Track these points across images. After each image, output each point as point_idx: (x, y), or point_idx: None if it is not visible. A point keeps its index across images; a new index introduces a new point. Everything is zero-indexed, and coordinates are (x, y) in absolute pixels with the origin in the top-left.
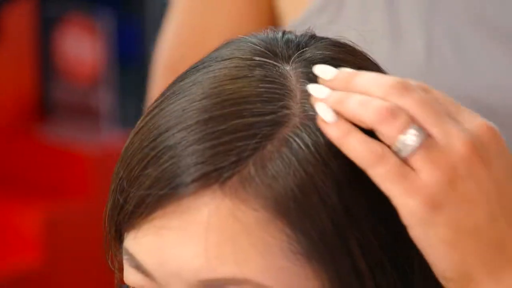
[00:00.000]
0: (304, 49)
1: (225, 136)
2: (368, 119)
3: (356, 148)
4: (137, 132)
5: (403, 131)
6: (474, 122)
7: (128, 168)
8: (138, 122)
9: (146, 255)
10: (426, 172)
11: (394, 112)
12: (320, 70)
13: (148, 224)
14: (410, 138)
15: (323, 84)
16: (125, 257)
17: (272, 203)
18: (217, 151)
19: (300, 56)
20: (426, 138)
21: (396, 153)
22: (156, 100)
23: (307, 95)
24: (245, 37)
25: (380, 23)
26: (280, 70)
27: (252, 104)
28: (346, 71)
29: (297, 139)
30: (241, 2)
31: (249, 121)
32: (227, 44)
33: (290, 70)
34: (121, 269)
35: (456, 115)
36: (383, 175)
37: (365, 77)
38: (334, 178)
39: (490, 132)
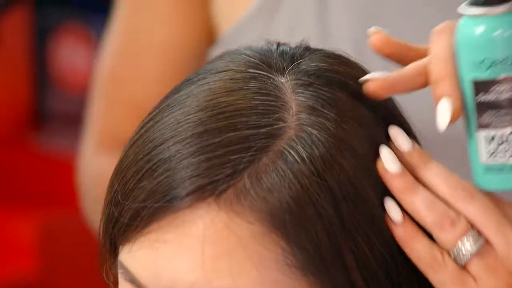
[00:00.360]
0: (299, 60)
1: (220, 149)
2: (429, 222)
3: (419, 253)
4: (132, 145)
5: (460, 238)
6: None
7: (123, 181)
8: (133, 135)
9: (141, 269)
10: (484, 280)
11: (454, 221)
12: (397, 137)
13: (143, 237)
14: (465, 247)
15: (395, 151)
16: (120, 271)
17: (267, 216)
18: (212, 164)
19: (295, 68)
20: (484, 245)
21: (454, 259)
22: (151, 113)
23: (302, 107)
24: (239, 49)
25: (312, 30)
26: (275, 82)
27: (247, 116)
28: (420, 151)
29: (292, 152)
30: (178, 14)
31: (244, 133)
32: (221, 56)
33: (285, 82)
34: (116, 282)
35: None
36: (442, 281)
37: (436, 171)
38: (329, 191)
39: None
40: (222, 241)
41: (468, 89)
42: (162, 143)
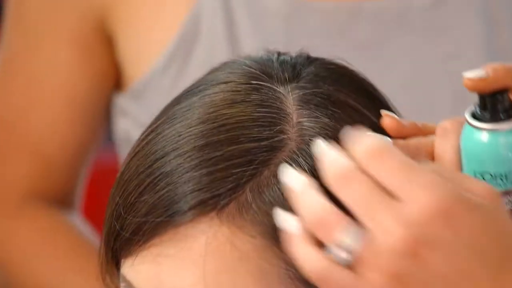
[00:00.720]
0: (300, 70)
1: (222, 163)
2: (308, 224)
3: (305, 260)
4: (133, 157)
5: (337, 237)
6: (420, 202)
7: (124, 194)
8: (134, 146)
9: (144, 283)
10: (368, 278)
11: (323, 219)
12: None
13: (146, 252)
14: (344, 243)
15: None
16: (122, 284)
17: (270, 230)
18: (213, 178)
19: (296, 78)
20: (364, 238)
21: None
22: (152, 124)
23: (303, 118)
24: (239, 59)
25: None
26: (276, 94)
27: (249, 129)
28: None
29: (293, 165)
30: (81, 58)
31: (246, 147)
32: (221, 67)
33: (286, 92)
34: None
35: (402, 192)
36: None
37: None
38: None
39: (439, 216)
40: (224, 256)
41: None
42: (164, 156)
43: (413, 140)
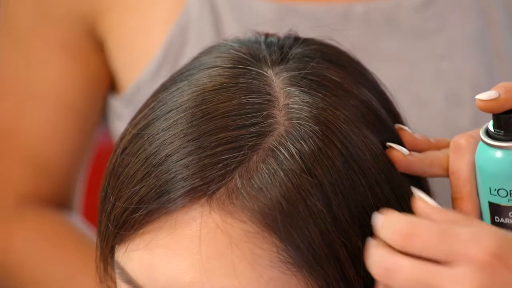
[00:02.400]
0: (288, 52)
1: (211, 150)
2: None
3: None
4: (125, 148)
5: None
6: (473, 257)
7: (116, 184)
8: (123, 135)
9: (137, 270)
10: None
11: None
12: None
13: (138, 239)
14: None
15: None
16: (117, 271)
17: (259, 215)
18: (203, 165)
19: (284, 60)
20: None
21: None
22: (140, 111)
23: (291, 101)
24: (226, 42)
25: None
26: (264, 77)
27: (237, 115)
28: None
29: (282, 149)
30: (75, 64)
31: (235, 133)
32: (209, 50)
33: (274, 75)
34: (114, 282)
35: (450, 256)
36: None
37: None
38: (320, 186)
39: (495, 261)
40: (215, 241)
41: (486, 208)
42: (154, 146)
43: (428, 153)
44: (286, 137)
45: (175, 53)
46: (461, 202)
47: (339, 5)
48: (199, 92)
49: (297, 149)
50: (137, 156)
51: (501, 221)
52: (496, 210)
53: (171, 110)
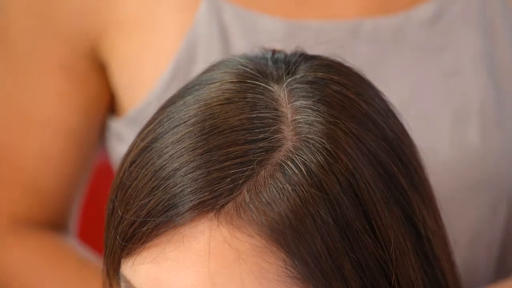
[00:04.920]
0: (295, 68)
1: (219, 164)
2: None
3: None
4: (133, 161)
5: None
6: None
7: (124, 197)
8: (131, 147)
9: (144, 283)
10: None
11: None
12: None
13: (146, 252)
14: None
15: None
16: (123, 284)
17: (267, 230)
18: (211, 179)
19: (291, 76)
20: None
21: None
22: (148, 124)
23: (298, 116)
24: (234, 58)
25: None
26: (270, 93)
27: (246, 130)
28: None
29: (290, 164)
30: (73, 87)
31: (243, 148)
32: (216, 65)
33: (280, 91)
34: None
35: None
36: None
37: None
38: (328, 200)
39: None
40: (222, 256)
41: None
42: (163, 160)
43: None
44: (294, 152)
45: (184, 71)
46: None
47: (348, 22)
48: (207, 106)
49: (305, 164)
50: (146, 169)
51: None
52: None
53: (179, 124)
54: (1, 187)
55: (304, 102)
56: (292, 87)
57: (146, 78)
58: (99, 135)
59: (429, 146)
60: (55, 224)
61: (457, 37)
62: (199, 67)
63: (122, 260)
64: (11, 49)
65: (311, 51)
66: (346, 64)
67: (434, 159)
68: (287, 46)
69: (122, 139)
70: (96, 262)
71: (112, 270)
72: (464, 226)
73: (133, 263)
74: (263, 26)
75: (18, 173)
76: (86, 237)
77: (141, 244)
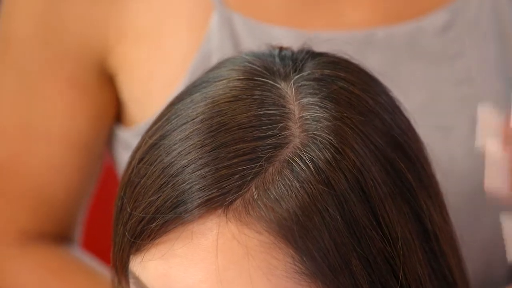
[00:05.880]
0: (301, 65)
1: (228, 161)
2: None
3: None
4: (141, 158)
5: None
6: None
7: (133, 194)
8: (140, 144)
9: (152, 279)
10: None
11: None
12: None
13: (155, 249)
14: None
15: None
16: (131, 280)
17: (275, 226)
18: (220, 176)
19: (298, 73)
20: None
21: None
22: (155, 122)
23: (305, 113)
24: (241, 55)
25: None
26: (278, 90)
27: (254, 127)
28: None
29: (298, 160)
30: (81, 98)
31: (252, 145)
32: (223, 63)
33: (288, 88)
34: None
35: None
36: None
37: None
38: (336, 196)
39: None
40: (231, 252)
41: None
42: (171, 157)
43: None
44: (301, 149)
45: None
46: None
47: (361, 32)
48: (214, 104)
49: (312, 160)
50: (154, 166)
51: None
52: None
53: (187, 122)
54: (9, 200)
55: (311, 99)
56: (299, 84)
57: (159, 91)
58: (105, 145)
59: (446, 155)
60: (61, 236)
61: (470, 43)
62: None
63: (131, 257)
64: (19, 63)
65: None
66: (353, 61)
67: (451, 168)
68: None
69: (129, 147)
70: (102, 271)
71: (121, 267)
72: (479, 234)
73: (142, 259)
74: (274, 36)
75: (25, 185)
76: (90, 245)
77: (150, 240)
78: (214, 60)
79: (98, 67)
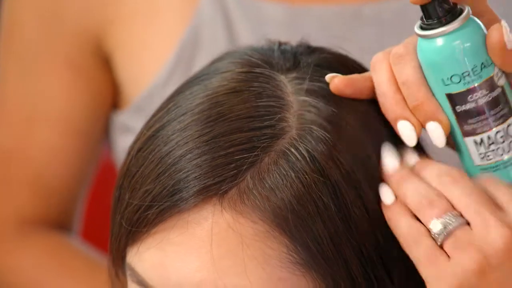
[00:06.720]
0: (300, 59)
1: (224, 151)
2: (411, 203)
3: (401, 230)
4: (140, 148)
5: (437, 217)
6: None
7: (130, 183)
8: (138, 135)
9: (149, 269)
10: (456, 258)
11: (432, 201)
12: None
13: (150, 239)
14: (437, 226)
15: (400, 159)
16: (128, 272)
17: (270, 215)
18: (215, 165)
19: (296, 67)
20: (462, 225)
21: (434, 238)
22: (155, 114)
23: (303, 106)
24: (241, 49)
25: None
26: (276, 82)
27: (251, 118)
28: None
29: (293, 151)
30: (78, 82)
31: (248, 135)
32: (223, 56)
33: (286, 81)
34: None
35: (508, 205)
36: (417, 258)
37: (431, 168)
38: (331, 187)
39: None
40: (226, 241)
41: (445, 103)
42: (169, 147)
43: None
44: (298, 140)
45: (187, 57)
46: (421, 106)
47: (350, 6)
48: (213, 95)
49: (308, 151)
50: (152, 155)
51: (463, 109)
52: (455, 99)
53: (186, 113)
54: (8, 187)
55: (308, 93)
56: (298, 78)
57: (151, 66)
58: (104, 130)
59: None
60: (60, 224)
61: None
62: (203, 52)
63: (128, 248)
64: (17, 48)
65: (314, 36)
66: (349, 55)
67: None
68: (290, 31)
69: (128, 129)
70: (101, 260)
71: (118, 259)
72: None
73: (138, 249)
74: (266, 12)
75: (25, 171)
76: (89, 236)
77: (146, 229)
78: (204, 34)
79: (95, 51)
